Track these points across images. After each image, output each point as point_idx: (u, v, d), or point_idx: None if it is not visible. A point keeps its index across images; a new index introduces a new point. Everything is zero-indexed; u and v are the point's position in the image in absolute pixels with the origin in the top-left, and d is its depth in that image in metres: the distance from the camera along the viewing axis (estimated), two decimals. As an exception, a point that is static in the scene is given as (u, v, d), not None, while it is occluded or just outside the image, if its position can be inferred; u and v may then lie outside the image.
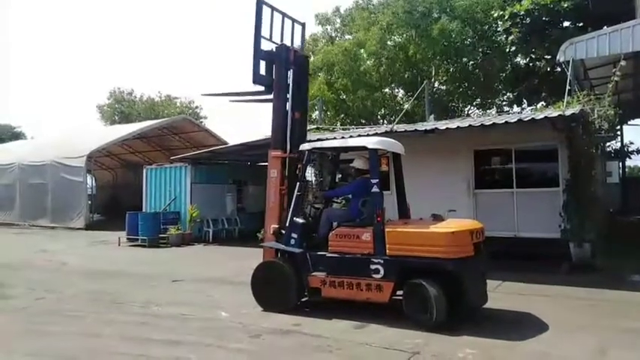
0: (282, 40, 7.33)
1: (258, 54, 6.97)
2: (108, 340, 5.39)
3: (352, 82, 23.81)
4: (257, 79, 7.01)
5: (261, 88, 7.19)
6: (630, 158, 22.21)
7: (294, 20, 7.54)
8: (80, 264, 11.13)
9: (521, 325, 5.68)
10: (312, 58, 27.01)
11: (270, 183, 6.98)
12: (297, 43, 7.62)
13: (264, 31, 7.10)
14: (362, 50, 23.81)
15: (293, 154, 6.96)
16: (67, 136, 25.50)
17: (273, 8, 7.17)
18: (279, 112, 7.00)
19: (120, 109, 40.89)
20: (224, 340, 5.33)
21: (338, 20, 27.49)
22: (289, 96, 7.03)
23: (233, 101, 8.20)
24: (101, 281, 9.01)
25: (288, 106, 7.02)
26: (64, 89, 79.66)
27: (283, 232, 6.67)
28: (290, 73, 7.06)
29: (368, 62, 23.72)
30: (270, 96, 7.13)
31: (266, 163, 7.40)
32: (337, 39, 27.40)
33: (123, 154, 26.84)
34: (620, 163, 21.34)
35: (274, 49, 7.17)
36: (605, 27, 11.59)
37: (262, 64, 7.05)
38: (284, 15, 7.36)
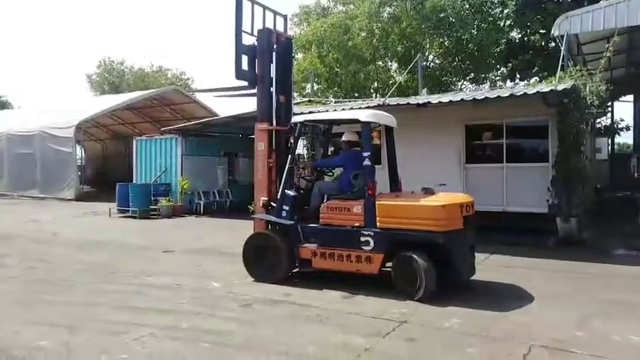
0: None
1: (240, 49, 6.90)
2: (101, 309, 5.44)
3: (343, 56, 23.50)
4: (239, 74, 6.95)
5: (245, 83, 7.14)
6: (620, 135, 22.22)
7: (275, 12, 7.44)
8: (71, 234, 11.13)
9: (507, 297, 5.81)
10: (303, 32, 26.61)
11: (258, 156, 6.98)
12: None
13: (246, 26, 7.00)
14: (352, 22, 23.37)
15: (280, 127, 6.95)
16: (55, 106, 25.06)
17: (253, 2, 7.06)
18: (264, 96, 7.00)
19: (110, 79, 40.17)
20: (215, 309, 5.40)
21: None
22: (273, 81, 7.01)
23: (219, 96, 8.13)
24: (93, 251, 9.04)
25: (273, 90, 7.01)
26: (52, 58, 77.93)
27: (273, 204, 6.70)
28: (273, 58, 7.01)
29: (362, 34, 23.33)
30: (254, 90, 7.09)
31: (257, 135, 7.36)
32: (330, 10, 26.91)
33: (112, 125, 26.50)
34: (610, 140, 21.44)
35: (256, 34, 7.06)
36: (601, 1, 11.51)
37: (245, 58, 6.97)
38: (265, 7, 7.26)
